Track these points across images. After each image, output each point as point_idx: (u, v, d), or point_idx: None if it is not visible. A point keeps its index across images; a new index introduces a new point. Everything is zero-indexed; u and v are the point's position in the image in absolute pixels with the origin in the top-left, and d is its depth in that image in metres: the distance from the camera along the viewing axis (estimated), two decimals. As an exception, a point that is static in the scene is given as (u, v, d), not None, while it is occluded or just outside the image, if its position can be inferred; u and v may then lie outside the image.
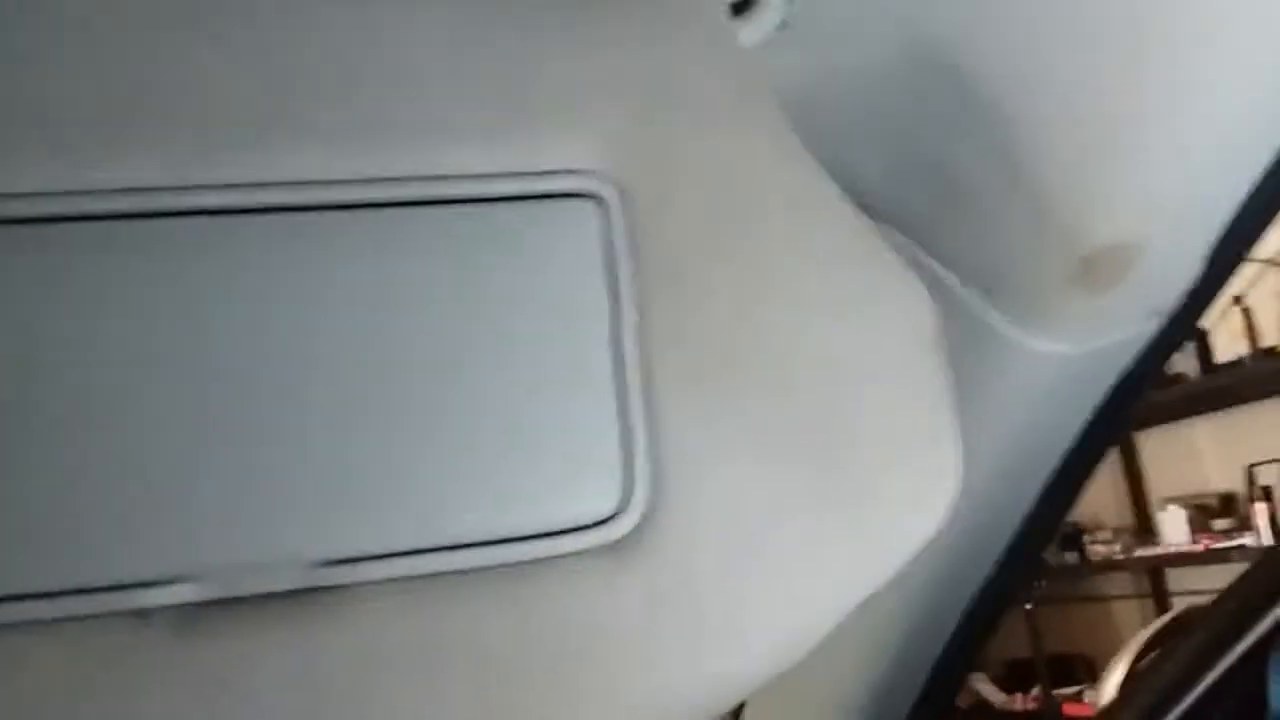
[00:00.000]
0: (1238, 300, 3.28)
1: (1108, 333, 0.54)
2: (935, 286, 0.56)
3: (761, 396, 0.42)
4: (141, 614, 0.35)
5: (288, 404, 0.37)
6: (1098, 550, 3.93)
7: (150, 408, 0.36)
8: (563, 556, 0.39)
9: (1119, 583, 4.11)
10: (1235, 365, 3.29)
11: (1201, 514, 3.58)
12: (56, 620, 0.35)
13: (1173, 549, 3.61)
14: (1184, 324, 0.55)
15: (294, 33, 0.40)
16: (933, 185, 0.52)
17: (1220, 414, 3.70)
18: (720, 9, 0.45)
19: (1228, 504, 3.64)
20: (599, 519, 0.39)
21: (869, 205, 0.54)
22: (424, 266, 0.40)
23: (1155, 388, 3.53)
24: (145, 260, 0.38)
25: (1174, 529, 3.63)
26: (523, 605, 0.39)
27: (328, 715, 0.36)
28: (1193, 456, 3.93)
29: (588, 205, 0.42)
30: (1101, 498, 4.28)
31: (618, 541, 0.39)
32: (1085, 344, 0.54)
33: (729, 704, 0.41)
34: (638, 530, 0.39)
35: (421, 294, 0.39)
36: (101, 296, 0.37)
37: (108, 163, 0.37)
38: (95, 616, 0.35)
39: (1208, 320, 3.25)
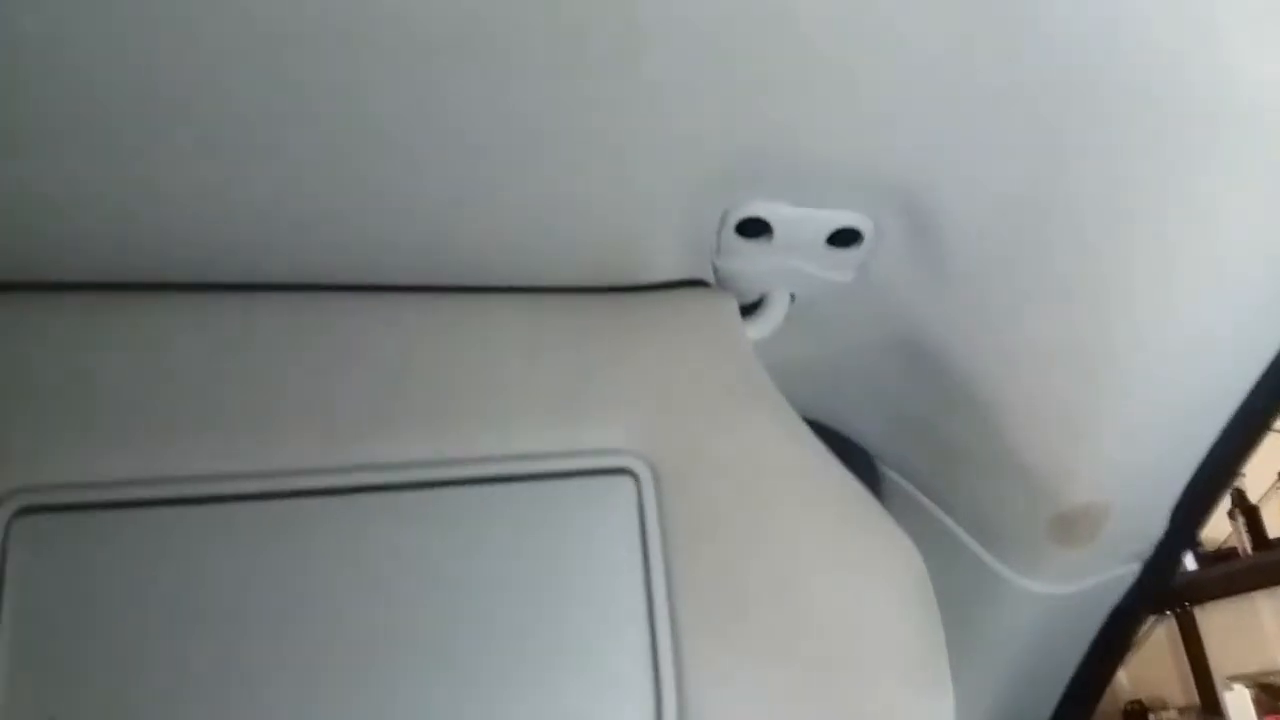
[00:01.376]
0: (1285, 475, 3.23)
1: (1092, 576, 0.60)
2: (936, 528, 0.63)
3: (773, 647, 0.49)
4: None
5: (378, 659, 0.45)
6: (1163, 730, 3.74)
7: (261, 659, 0.44)
8: None
9: (1187, 766, 3.88)
10: (1289, 540, 3.22)
11: (1268, 694, 3.42)
12: None
13: (1241, 732, 3.43)
14: (1163, 566, 0.61)
15: (401, 343, 0.50)
16: (928, 443, 0.59)
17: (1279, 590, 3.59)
18: (732, 312, 0.54)
19: (1295, 685, 3.47)
20: None
21: (879, 455, 0.61)
22: (496, 532, 0.48)
23: (1207, 563, 3.44)
24: (255, 531, 0.47)
25: (1239, 710, 3.46)
26: None
27: None
28: (1256, 631, 3.78)
29: (624, 480, 0.50)
30: (1165, 675, 4.10)
31: None
32: (1073, 585, 0.60)
33: None
34: None
35: (489, 555, 0.48)
36: (220, 556, 0.46)
37: (259, 451, 0.46)
38: None
39: (1256, 496, 3.21)
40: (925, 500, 0.63)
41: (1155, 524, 0.58)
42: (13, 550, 0.44)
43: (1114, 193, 0.45)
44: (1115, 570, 0.60)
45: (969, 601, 0.57)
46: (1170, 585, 0.63)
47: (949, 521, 0.62)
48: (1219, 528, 3.33)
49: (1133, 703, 4.04)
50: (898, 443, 0.62)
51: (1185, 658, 4.08)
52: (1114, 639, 0.65)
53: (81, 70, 0.38)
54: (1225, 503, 3.24)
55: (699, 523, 0.50)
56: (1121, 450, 0.53)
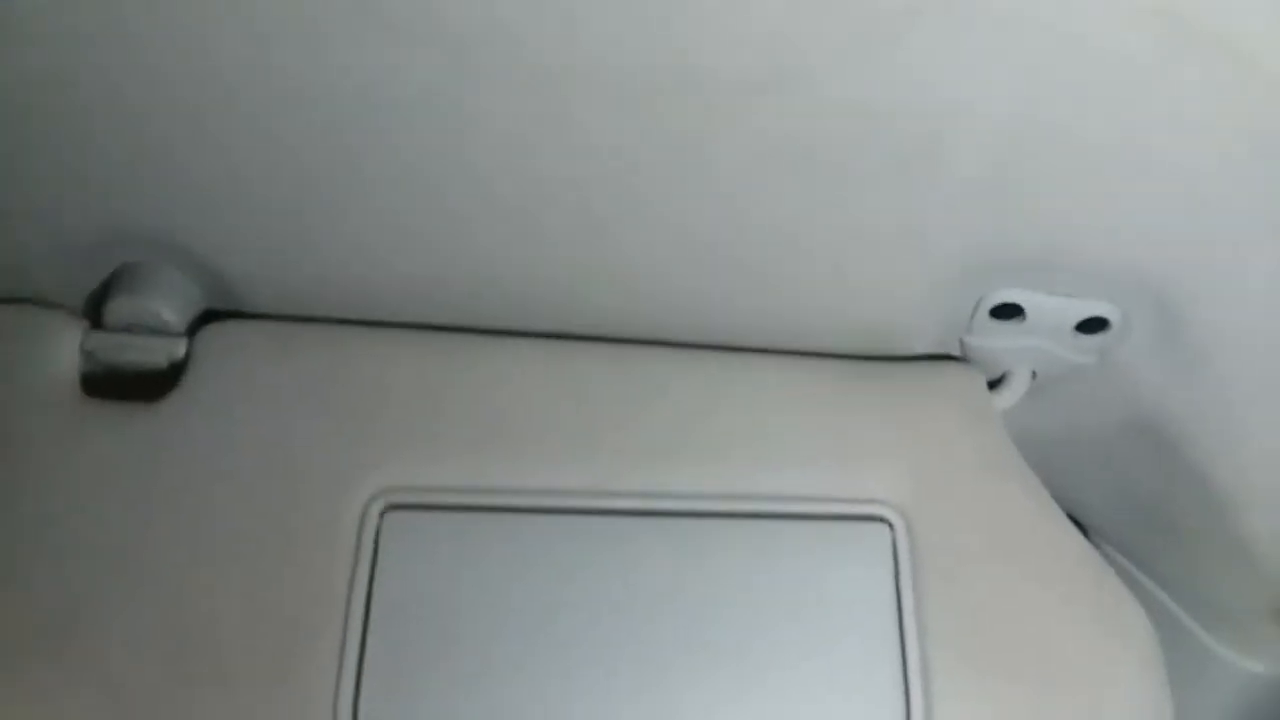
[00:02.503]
0: None
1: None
2: (1152, 605, 0.66)
3: (1008, 678, 0.54)
4: None
5: (675, 655, 0.53)
6: None
7: (588, 653, 0.53)
8: None
9: None
10: None
11: None
12: None
13: None
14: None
15: (693, 390, 0.59)
16: (1152, 523, 0.64)
17: None
18: (980, 384, 0.61)
19: None
20: None
21: (1095, 528, 0.66)
22: (765, 560, 0.56)
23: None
24: (584, 540, 0.56)
25: None
26: None
27: None
28: None
29: (881, 528, 0.57)
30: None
31: None
32: (1285, 668, 0.63)
33: None
34: None
35: (764, 576, 0.55)
36: (555, 561, 0.55)
37: (578, 471, 0.56)
38: None
39: None
40: (1142, 577, 0.68)
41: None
42: (384, 543, 0.54)
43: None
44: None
45: (1183, 679, 0.60)
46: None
47: (1165, 598, 0.66)
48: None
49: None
50: (1119, 520, 0.67)
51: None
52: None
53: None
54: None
55: (947, 571, 0.56)
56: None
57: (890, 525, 0.57)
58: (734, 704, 0.53)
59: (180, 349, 0.57)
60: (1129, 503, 0.65)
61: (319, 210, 0.52)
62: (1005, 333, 0.59)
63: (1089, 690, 0.55)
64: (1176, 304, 0.54)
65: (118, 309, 0.56)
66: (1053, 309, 0.57)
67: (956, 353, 0.62)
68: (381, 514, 0.55)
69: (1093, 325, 0.57)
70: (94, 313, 0.57)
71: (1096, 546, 0.66)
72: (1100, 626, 0.56)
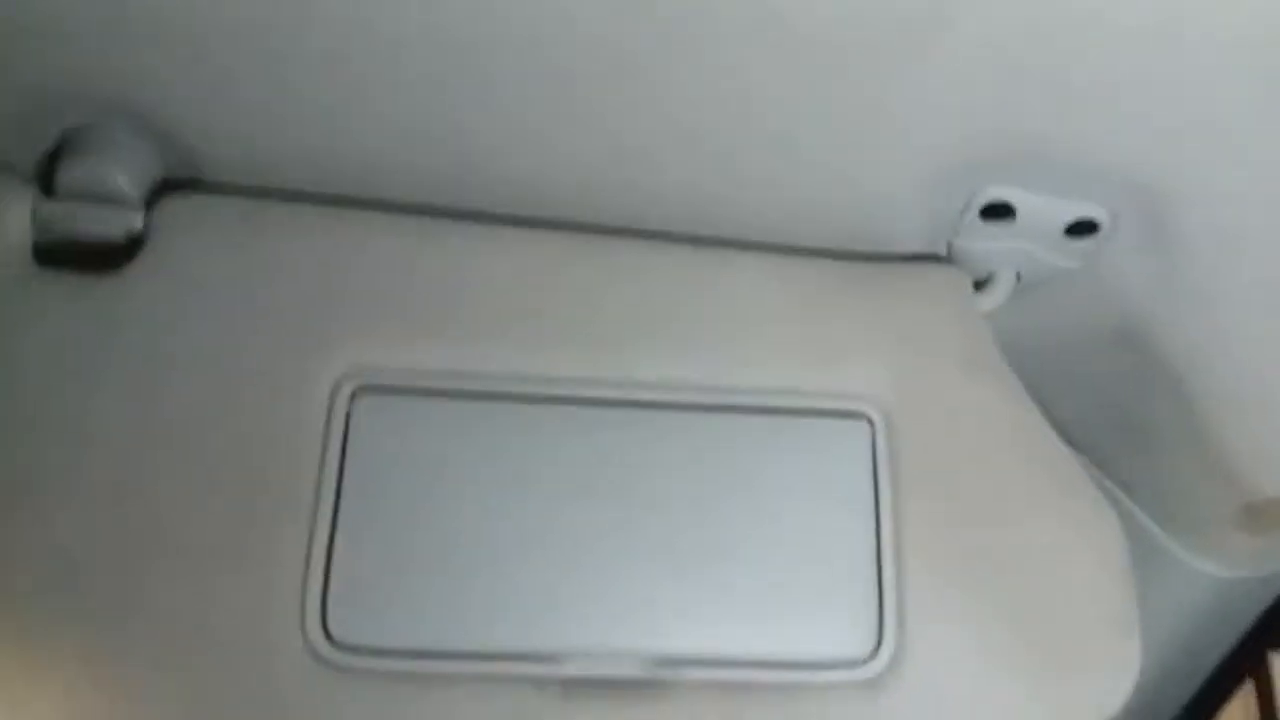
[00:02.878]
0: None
1: (1268, 564, 0.64)
2: (1130, 519, 0.67)
3: (985, 576, 0.55)
4: (538, 682, 0.50)
5: (647, 547, 0.53)
6: (1230, 783, 3.67)
7: (559, 540, 0.52)
8: (828, 686, 0.52)
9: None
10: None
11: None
12: (480, 677, 0.50)
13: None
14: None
15: (671, 283, 0.57)
16: (1122, 429, 0.64)
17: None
18: (965, 285, 0.61)
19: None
20: (858, 659, 0.52)
21: (1065, 437, 0.66)
22: (743, 454, 0.55)
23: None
24: (554, 429, 0.55)
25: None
26: (798, 718, 0.51)
27: None
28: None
29: (861, 423, 0.57)
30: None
31: (870, 680, 0.52)
32: (1246, 571, 0.64)
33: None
34: (886, 671, 0.52)
35: (739, 471, 0.55)
36: (524, 448, 0.54)
37: (533, 359, 0.54)
38: (509, 678, 0.50)
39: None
40: (1107, 483, 0.69)
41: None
42: (354, 423, 0.53)
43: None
44: (1286, 562, 0.65)
45: (1147, 584, 0.61)
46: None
47: (1129, 502, 0.67)
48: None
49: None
50: (1094, 428, 0.67)
51: (1256, 707, 3.98)
52: (1271, 626, 0.69)
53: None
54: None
55: (925, 468, 0.56)
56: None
57: (870, 422, 0.57)
58: (705, 596, 0.53)
59: (138, 221, 0.54)
60: (1105, 411, 0.66)
61: (285, 73, 0.49)
62: (994, 234, 0.58)
63: (1058, 591, 0.56)
64: (1166, 205, 0.53)
65: (70, 174, 0.52)
66: (1043, 209, 0.56)
67: (942, 254, 0.61)
68: (352, 395, 0.53)
69: (1082, 228, 0.57)
70: (46, 180, 0.54)
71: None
72: (1073, 530, 0.57)
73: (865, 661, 0.53)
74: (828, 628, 0.53)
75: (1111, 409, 0.65)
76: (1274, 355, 0.56)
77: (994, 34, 0.45)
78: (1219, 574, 0.64)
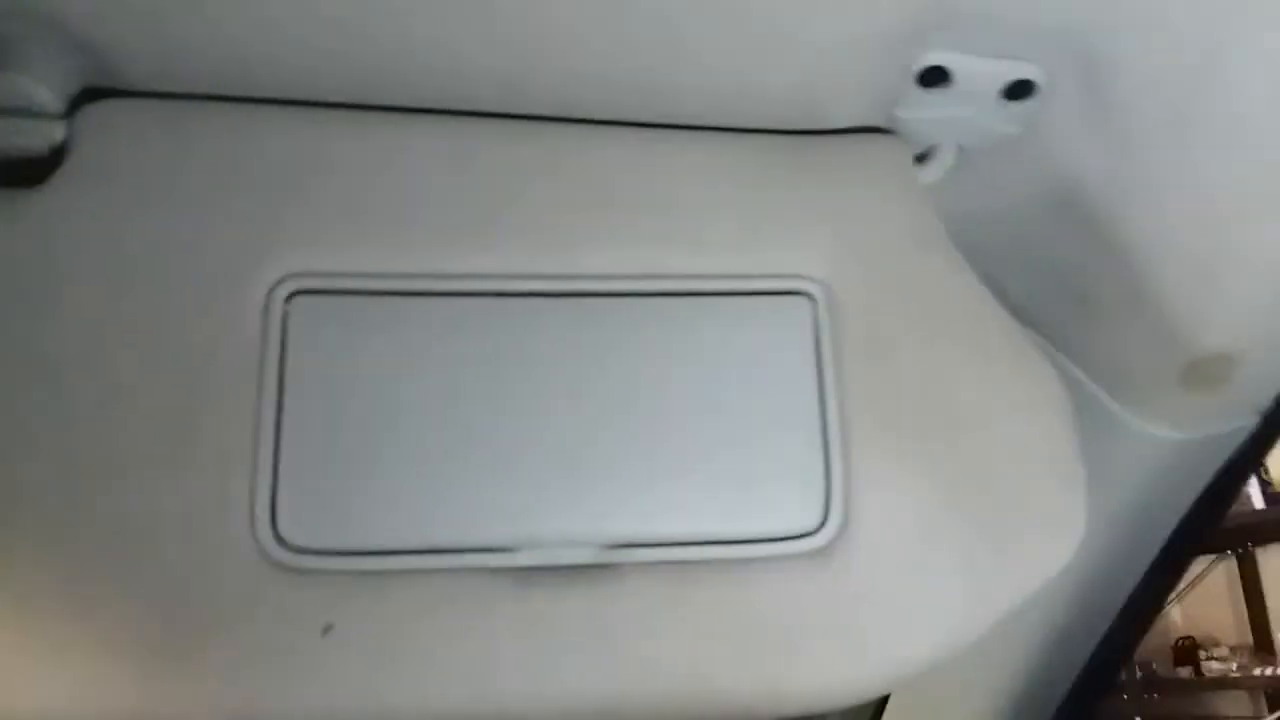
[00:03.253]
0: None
1: (1213, 425, 0.65)
2: (1065, 377, 0.68)
3: (929, 444, 0.55)
4: (493, 573, 0.51)
5: (592, 435, 0.53)
6: (1213, 667, 3.79)
7: (505, 433, 0.52)
8: (778, 558, 0.53)
9: (1235, 702, 3.94)
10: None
11: (1325, 637, 3.44)
12: (434, 570, 0.50)
13: (1295, 672, 3.47)
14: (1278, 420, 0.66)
15: (603, 169, 0.56)
16: (1065, 297, 0.65)
17: (1348, 535, 3.57)
18: (906, 157, 0.60)
19: (1354, 628, 3.48)
20: (805, 531, 0.53)
21: (1013, 309, 0.67)
22: (685, 337, 0.55)
23: (1275, 502, 3.43)
24: (495, 324, 0.54)
25: (1296, 650, 3.49)
26: (748, 592, 0.52)
27: (605, 654, 0.51)
28: (1318, 576, 3.78)
29: (802, 300, 0.57)
30: (1219, 614, 4.13)
31: (819, 549, 0.53)
32: (1194, 432, 0.65)
33: (898, 684, 0.54)
34: (834, 541, 0.53)
35: (683, 355, 0.55)
36: (467, 344, 0.53)
37: (486, 255, 0.54)
38: (463, 570, 0.50)
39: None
40: (1054, 351, 0.69)
41: (1277, 376, 0.63)
42: (292, 326, 0.52)
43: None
44: (1236, 421, 0.66)
45: (1089, 444, 0.62)
46: (1275, 440, 0.68)
47: (1077, 371, 0.68)
48: (1291, 468, 3.31)
49: (1184, 639, 4.08)
50: (1037, 296, 0.67)
51: (1243, 597, 4.09)
52: (1221, 490, 0.70)
53: None
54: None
55: (869, 342, 0.56)
56: (1255, 301, 0.58)
57: (812, 299, 0.57)
58: (653, 478, 0.53)
59: (59, 131, 0.53)
60: (1050, 280, 0.66)
61: None
62: (932, 102, 0.57)
63: (1007, 458, 0.56)
64: (1102, 60, 0.52)
65: (-16, 88, 0.51)
66: (980, 72, 0.55)
67: (884, 125, 0.61)
68: (288, 299, 0.53)
69: (1019, 90, 0.56)
70: (-42, 93, 0.52)
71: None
72: (1014, 394, 0.57)
73: (813, 532, 0.54)
74: (776, 501, 0.54)
75: (1056, 277, 0.65)
76: (1206, 215, 0.56)
77: None
78: (1170, 436, 0.65)
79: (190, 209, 0.53)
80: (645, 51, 0.53)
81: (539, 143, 0.57)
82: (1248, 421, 0.66)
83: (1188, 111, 0.53)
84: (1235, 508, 3.57)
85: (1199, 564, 4.02)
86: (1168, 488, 0.70)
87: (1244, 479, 0.70)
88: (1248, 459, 0.68)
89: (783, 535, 0.53)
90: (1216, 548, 3.95)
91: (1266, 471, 3.45)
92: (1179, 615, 4.10)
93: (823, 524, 0.54)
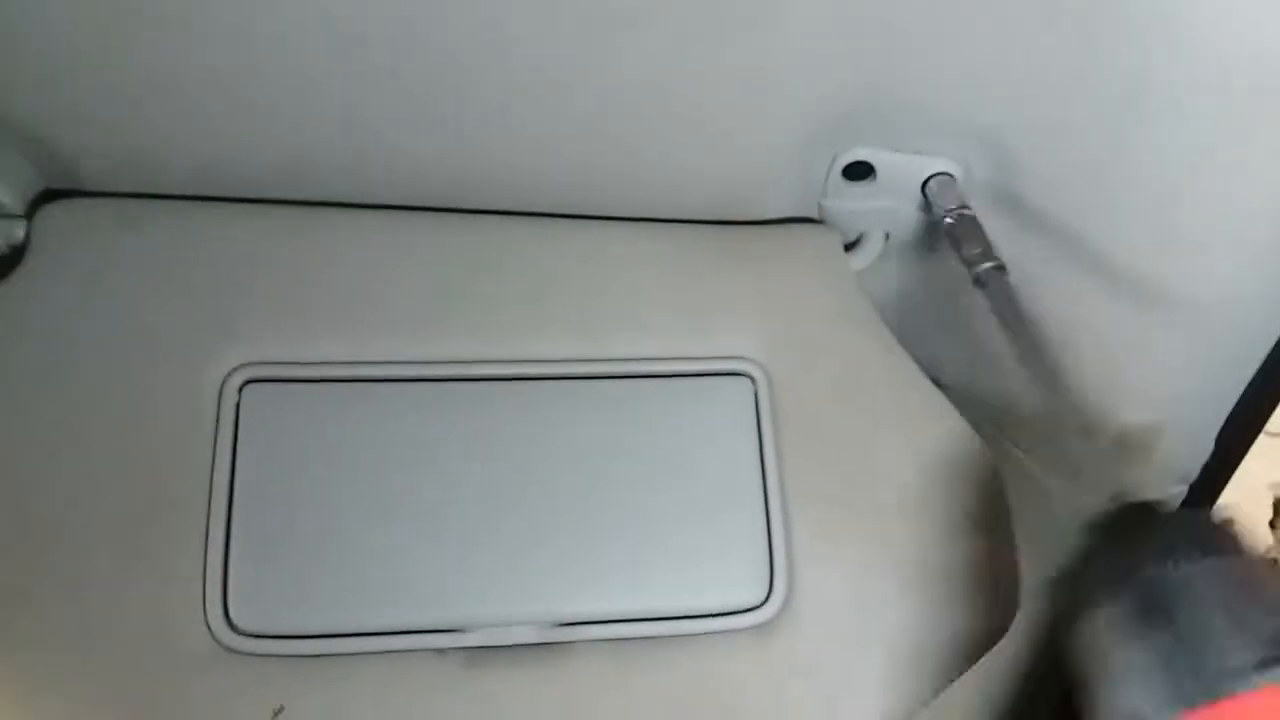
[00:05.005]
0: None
1: (1143, 494, 0.67)
2: (1006, 457, 0.70)
3: (867, 519, 0.57)
4: (441, 652, 0.51)
5: (540, 516, 0.54)
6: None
7: (454, 516, 0.54)
8: (723, 633, 0.54)
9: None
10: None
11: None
12: (384, 652, 0.51)
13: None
14: (1208, 491, 0.68)
15: (552, 259, 0.59)
16: (995, 374, 0.67)
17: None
18: (836, 245, 0.63)
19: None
20: (751, 606, 0.54)
21: (948, 386, 0.69)
22: (630, 419, 0.57)
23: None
24: (444, 409, 0.56)
25: None
26: (693, 667, 0.54)
27: None
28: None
29: (743, 381, 0.59)
30: None
31: (764, 623, 0.54)
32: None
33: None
34: (778, 616, 0.55)
35: (628, 435, 0.57)
36: (416, 429, 0.55)
37: (438, 343, 0.56)
38: (410, 651, 0.51)
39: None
40: (991, 429, 0.71)
41: (1202, 447, 0.65)
42: (245, 414, 0.54)
43: (1179, 145, 0.53)
44: (1165, 491, 0.68)
45: (1027, 516, 0.64)
46: (1211, 505, 0.70)
47: (1010, 446, 0.70)
48: (1260, 538, 3.34)
49: None
50: (968, 375, 0.70)
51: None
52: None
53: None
54: (1267, 512, 3.24)
55: (806, 420, 0.59)
56: (1176, 371, 0.61)
57: (752, 379, 0.59)
58: (600, 558, 0.54)
59: (19, 231, 0.55)
60: (979, 355, 0.68)
61: (156, 79, 0.50)
62: (858, 194, 0.61)
63: (941, 531, 0.58)
64: (1011, 157, 0.56)
65: (-53, 191, 0.53)
66: (901, 166, 0.59)
67: (815, 216, 0.64)
68: (241, 388, 0.54)
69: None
70: (-77, 197, 0.55)
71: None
72: (951, 471, 0.59)
73: (758, 606, 0.55)
74: (720, 578, 0.55)
75: (986, 354, 0.68)
76: (1120, 296, 0.59)
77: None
78: (1100, 507, 0.67)
79: (145, 303, 0.54)
80: (586, 150, 0.56)
81: (485, 235, 0.59)
82: (1178, 490, 0.68)
83: (1089, 204, 0.56)
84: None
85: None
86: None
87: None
88: (1181, 527, 0.70)
89: (729, 610, 0.55)
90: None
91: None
92: None
93: (767, 598, 0.55)
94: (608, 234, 0.61)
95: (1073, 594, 0.47)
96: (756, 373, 0.59)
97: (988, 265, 0.56)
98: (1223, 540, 0.45)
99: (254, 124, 0.53)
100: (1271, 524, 3.41)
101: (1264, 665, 0.39)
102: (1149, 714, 0.41)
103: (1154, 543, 0.45)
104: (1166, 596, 0.43)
